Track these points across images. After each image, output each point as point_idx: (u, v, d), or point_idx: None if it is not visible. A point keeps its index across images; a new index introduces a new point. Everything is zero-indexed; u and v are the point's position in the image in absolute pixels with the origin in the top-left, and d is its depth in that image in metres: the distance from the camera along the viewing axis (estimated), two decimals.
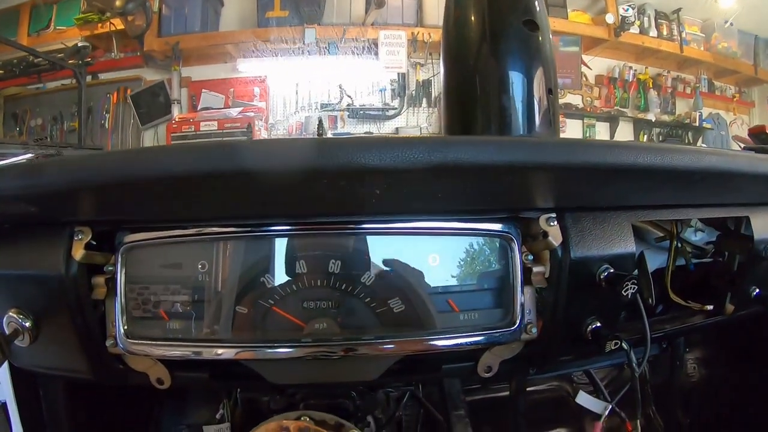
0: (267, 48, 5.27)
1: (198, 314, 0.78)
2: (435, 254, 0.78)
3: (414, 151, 0.63)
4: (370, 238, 0.78)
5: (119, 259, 0.77)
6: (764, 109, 7.32)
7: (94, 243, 0.77)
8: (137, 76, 5.57)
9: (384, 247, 0.78)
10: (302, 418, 0.84)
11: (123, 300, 0.77)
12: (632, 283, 0.76)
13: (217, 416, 1.16)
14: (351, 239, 0.78)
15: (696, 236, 1.10)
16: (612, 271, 0.80)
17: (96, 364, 0.83)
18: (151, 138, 5.49)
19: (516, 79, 1.03)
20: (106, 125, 5.50)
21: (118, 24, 5.20)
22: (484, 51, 1.05)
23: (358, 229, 0.77)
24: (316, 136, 4.80)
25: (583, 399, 1.03)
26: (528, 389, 1.49)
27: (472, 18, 1.07)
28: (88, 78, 5.29)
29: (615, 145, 0.73)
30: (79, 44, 5.26)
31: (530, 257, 0.81)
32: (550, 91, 1.05)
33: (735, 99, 7.19)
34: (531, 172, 0.71)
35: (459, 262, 0.79)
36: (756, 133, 1.66)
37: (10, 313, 0.78)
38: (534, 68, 1.04)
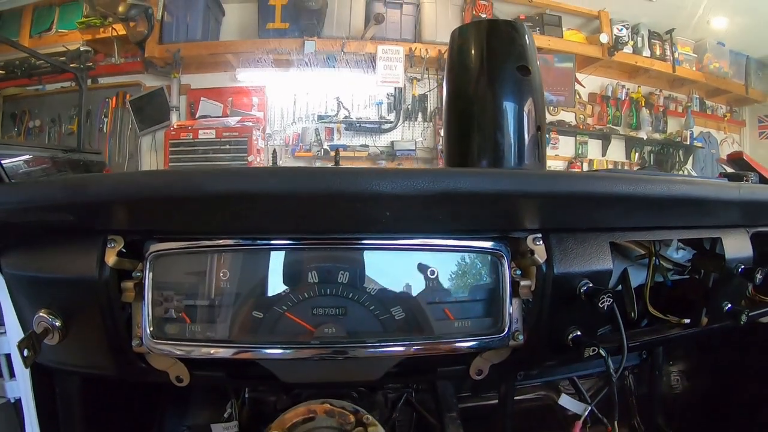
0: (266, 59, 5.31)
1: (218, 317, 0.85)
2: (433, 268, 0.87)
3: (420, 180, 0.73)
4: (376, 253, 0.86)
5: (147, 266, 0.83)
6: (755, 128, 7.39)
7: (124, 251, 0.84)
8: (137, 81, 5.59)
9: (388, 261, 0.86)
10: (324, 404, 0.91)
11: (149, 303, 0.84)
12: (608, 297, 0.84)
13: (225, 415, 1.21)
14: (359, 253, 0.86)
15: (678, 254, 1.19)
16: (591, 285, 0.88)
17: (121, 362, 0.89)
18: (148, 144, 5.50)
19: (509, 116, 1.13)
20: (105, 129, 5.51)
21: (120, 29, 5.23)
22: (481, 89, 1.14)
23: (367, 244, 0.86)
24: (334, 163, 4.87)
25: (565, 401, 1.11)
26: (517, 398, 1.56)
27: (473, 57, 1.17)
28: (88, 82, 5.30)
29: (592, 176, 0.82)
30: (81, 48, 5.29)
31: (518, 272, 0.89)
32: (539, 128, 1.15)
33: (726, 118, 7.26)
34: (519, 200, 0.81)
35: (455, 276, 0.88)
36: (734, 158, 1.72)
37: (41, 314, 0.84)
38: (525, 108, 1.14)
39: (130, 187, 0.76)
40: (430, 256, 0.87)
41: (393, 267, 0.86)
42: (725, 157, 1.84)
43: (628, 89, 6.60)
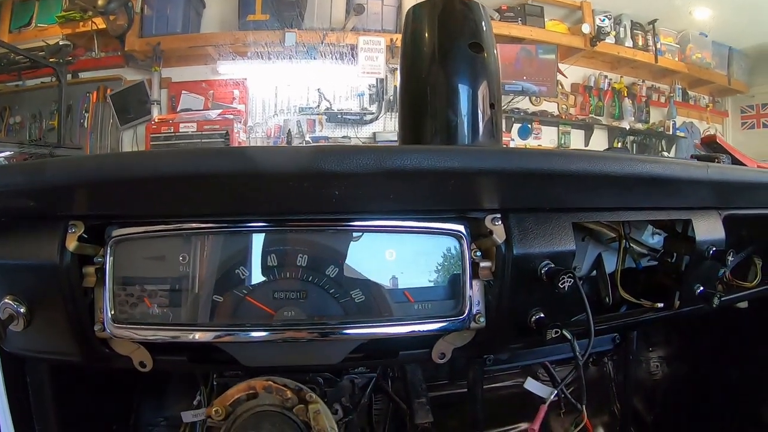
0: (247, 51, 5.30)
1: (178, 302, 0.85)
2: (392, 250, 0.86)
3: (365, 158, 0.73)
4: (333, 235, 0.86)
5: (108, 251, 0.83)
6: (737, 118, 7.46)
7: (86, 236, 0.84)
8: (117, 75, 5.56)
9: (346, 243, 0.86)
10: (268, 381, 0.91)
11: (111, 288, 0.83)
12: (568, 277, 0.84)
13: (195, 402, 1.21)
14: (317, 236, 0.85)
15: (653, 239, 1.19)
16: (552, 266, 0.88)
17: (84, 347, 0.89)
18: (129, 138, 5.48)
19: (461, 94, 1.12)
20: (86, 124, 5.48)
21: (100, 23, 5.20)
22: (434, 67, 1.14)
23: (323, 226, 0.85)
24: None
25: (531, 385, 1.10)
26: (494, 384, 1.57)
27: (426, 34, 1.17)
28: (69, 76, 5.27)
29: (546, 153, 0.81)
30: (61, 42, 5.25)
31: (479, 253, 0.89)
32: (493, 105, 1.15)
33: (709, 108, 7.33)
34: (469, 177, 0.80)
35: (414, 257, 0.87)
36: (707, 142, 1.74)
37: (6, 300, 0.84)
38: (478, 85, 1.13)
39: (82, 171, 0.76)
40: (389, 238, 0.87)
41: (351, 249, 0.86)
42: (700, 141, 1.86)
43: (611, 79, 6.65)
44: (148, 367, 0.91)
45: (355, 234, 0.86)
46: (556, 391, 1.08)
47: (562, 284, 0.84)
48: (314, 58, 5.35)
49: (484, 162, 0.78)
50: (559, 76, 6.12)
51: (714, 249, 1.09)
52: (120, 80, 5.55)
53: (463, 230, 0.87)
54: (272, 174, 0.75)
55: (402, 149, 0.77)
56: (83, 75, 5.57)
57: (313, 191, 0.78)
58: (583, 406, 1.01)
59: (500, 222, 0.87)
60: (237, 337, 0.85)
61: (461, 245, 0.87)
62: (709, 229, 1.10)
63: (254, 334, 0.84)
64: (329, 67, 5.45)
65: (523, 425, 1.63)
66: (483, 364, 1.20)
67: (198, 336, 0.84)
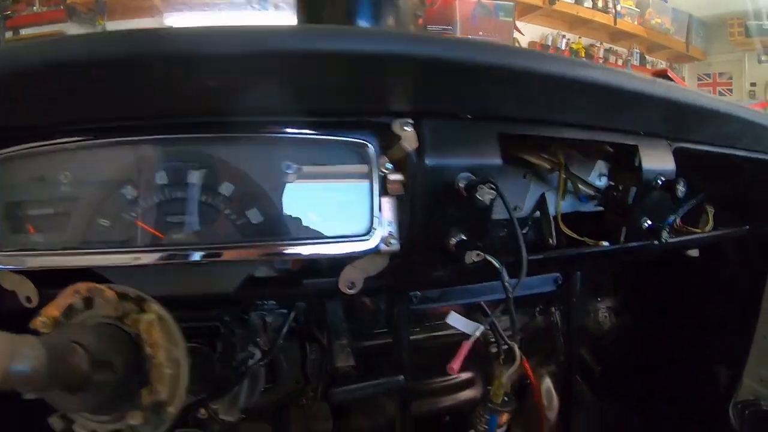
0: (196, 1, 5.16)
1: (61, 225, 0.79)
2: (289, 163, 0.78)
3: (242, 38, 0.63)
4: (226, 149, 0.77)
5: None
6: (694, 85, 7.63)
7: None
8: (60, 31, 5.36)
9: (239, 158, 0.78)
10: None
11: None
12: (489, 187, 0.75)
13: None
14: (208, 149, 0.77)
15: (600, 181, 1.13)
16: (473, 178, 0.78)
17: None
18: None
19: None
20: None
21: None
22: None
23: (212, 135, 0.77)
24: None
25: (453, 319, 1.03)
26: (435, 333, 1.51)
27: None
28: (8, 34, 5.09)
29: (466, 41, 0.72)
30: None
31: (389, 165, 0.79)
32: None
33: None
34: (368, 64, 0.69)
35: (315, 172, 0.79)
36: (659, 75, 1.73)
37: None
38: None
39: None
40: (287, 150, 0.78)
41: (245, 164, 0.78)
42: (651, 74, 1.86)
43: (569, 39, 6.67)
44: (33, 302, 0.82)
45: (249, 147, 0.78)
46: (482, 327, 1.01)
47: (481, 197, 0.75)
48: (266, 9, 5.23)
49: (383, 45, 0.67)
50: (516, 34, 6.09)
51: (663, 179, 1.01)
52: (63, 36, 5.37)
53: (371, 138, 0.78)
54: (137, 56, 0.63)
55: (282, 29, 0.66)
56: (24, 32, 5.37)
57: (183, 81, 0.68)
58: (515, 345, 0.96)
59: (411, 128, 0.77)
60: (122, 260, 0.77)
61: (368, 155, 0.78)
62: (657, 158, 1.03)
63: (136, 257, 0.76)
64: (283, 19, 5.29)
65: (464, 375, 1.57)
66: (408, 302, 1.13)
67: (80, 261, 0.77)
